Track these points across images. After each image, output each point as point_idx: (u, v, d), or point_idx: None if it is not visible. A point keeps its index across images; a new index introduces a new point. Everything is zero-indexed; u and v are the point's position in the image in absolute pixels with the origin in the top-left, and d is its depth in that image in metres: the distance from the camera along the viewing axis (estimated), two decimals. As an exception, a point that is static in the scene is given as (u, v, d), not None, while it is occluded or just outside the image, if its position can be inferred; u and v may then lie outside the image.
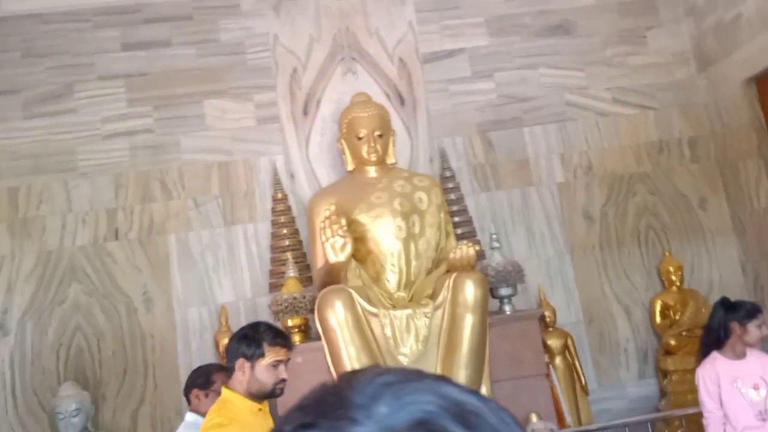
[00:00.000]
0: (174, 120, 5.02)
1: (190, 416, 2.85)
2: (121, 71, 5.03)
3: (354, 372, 0.55)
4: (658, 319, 4.84)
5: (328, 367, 3.59)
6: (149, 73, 5.06)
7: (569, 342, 4.60)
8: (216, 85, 5.08)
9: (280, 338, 2.31)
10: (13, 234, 4.76)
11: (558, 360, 4.47)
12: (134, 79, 5.03)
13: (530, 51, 5.35)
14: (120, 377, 4.64)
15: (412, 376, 0.52)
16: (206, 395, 2.82)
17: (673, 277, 4.86)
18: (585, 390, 4.54)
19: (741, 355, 2.90)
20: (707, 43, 5.29)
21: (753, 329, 2.90)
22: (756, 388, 2.85)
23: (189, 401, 2.95)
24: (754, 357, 2.93)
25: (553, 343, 4.45)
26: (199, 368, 3.10)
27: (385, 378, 0.52)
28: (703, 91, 5.38)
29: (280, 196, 4.87)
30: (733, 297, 5.03)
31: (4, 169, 4.84)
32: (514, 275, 3.88)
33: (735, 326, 2.94)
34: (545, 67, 5.35)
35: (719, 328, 2.93)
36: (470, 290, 3.51)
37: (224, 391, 2.28)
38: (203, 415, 2.61)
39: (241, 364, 2.24)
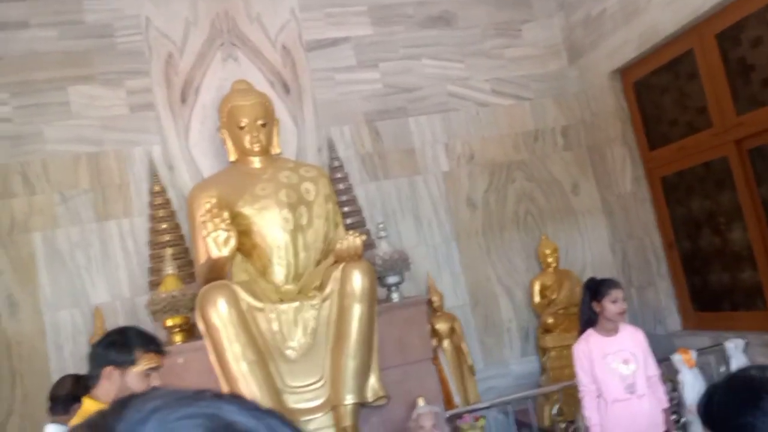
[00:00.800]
0: (34, 108, 4.60)
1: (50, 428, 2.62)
2: (-29, 53, 4.53)
3: (129, 397, 0.53)
4: (536, 299, 5.10)
5: (212, 367, 3.45)
6: (4, 56, 4.60)
7: (456, 325, 4.74)
8: (82, 70, 4.71)
9: (153, 344, 2.17)
10: None
11: (446, 343, 4.59)
12: (-13, 63, 4.55)
13: (413, 41, 5.42)
14: (-20, 391, 4.22)
15: (187, 399, 0.51)
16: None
17: (549, 259, 5.13)
18: (472, 370, 4.70)
19: (612, 331, 3.07)
20: (577, 36, 5.61)
21: (608, 305, 3.06)
22: (626, 362, 3.04)
23: (53, 411, 2.70)
24: (626, 333, 3.11)
25: (441, 326, 4.57)
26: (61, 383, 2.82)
27: (154, 403, 0.50)
28: (574, 82, 5.70)
29: (157, 188, 4.62)
30: (604, 275, 5.44)
31: None
32: (400, 263, 3.92)
33: (595, 305, 3.12)
34: (428, 57, 5.43)
35: (586, 309, 3.10)
36: (357, 280, 3.50)
37: (86, 401, 2.10)
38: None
39: (109, 372, 2.08)
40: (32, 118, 4.58)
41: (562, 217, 5.52)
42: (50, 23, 4.70)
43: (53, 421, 2.77)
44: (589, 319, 3.08)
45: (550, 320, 4.89)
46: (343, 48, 5.24)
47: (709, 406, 1.26)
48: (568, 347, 4.74)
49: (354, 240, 3.56)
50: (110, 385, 2.06)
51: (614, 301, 3.02)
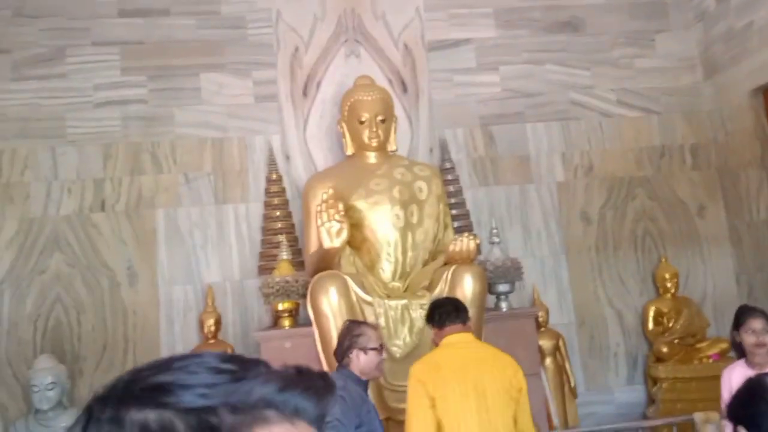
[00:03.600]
0: (169, 92, 4.86)
1: None
2: (117, 38, 4.86)
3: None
4: (650, 325, 4.79)
5: (317, 354, 3.48)
6: (145, 42, 4.89)
7: (560, 343, 4.54)
8: (214, 59, 4.93)
9: None
10: (-5, 199, 4.59)
11: (548, 361, 4.40)
12: (130, 47, 4.86)
13: (537, 46, 5.26)
14: (99, 352, 4.50)
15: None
16: None
17: (668, 284, 4.81)
18: (573, 393, 4.48)
19: (759, 366, 2.74)
20: (715, 51, 5.23)
21: (745, 335, 2.80)
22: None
23: None
24: None
25: (545, 343, 4.38)
26: None
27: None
28: (708, 99, 5.32)
29: (274, 177, 4.74)
30: (727, 308, 5.05)
31: (-11, 131, 4.66)
32: (512, 272, 3.79)
33: (736, 334, 2.87)
34: (552, 63, 5.26)
35: (731, 337, 2.87)
36: (469, 284, 3.42)
37: None
38: None
39: None
40: (166, 101, 4.84)
41: (685, 241, 5.16)
42: (189, 12, 4.95)
43: None
44: (738, 348, 2.85)
45: (665, 349, 4.57)
46: (465, 49, 5.17)
47: (731, 403, 1.74)
48: (683, 380, 4.43)
49: (468, 242, 3.48)
50: None
51: (752, 332, 2.76)
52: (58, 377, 4.15)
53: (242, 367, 0.52)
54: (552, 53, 5.26)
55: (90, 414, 0.50)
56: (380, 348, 2.71)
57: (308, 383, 0.53)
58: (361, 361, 2.65)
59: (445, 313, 2.68)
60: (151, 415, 0.48)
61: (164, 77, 4.86)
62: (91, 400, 0.52)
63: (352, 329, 2.73)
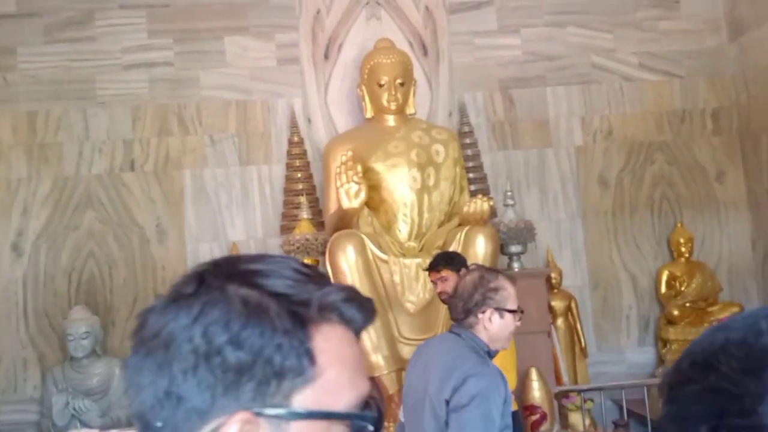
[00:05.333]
0: (194, 54, 4.97)
1: None
2: (143, 1, 4.96)
3: None
4: (663, 288, 4.87)
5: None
6: (171, 4, 4.99)
7: (572, 305, 4.65)
8: (238, 22, 5.01)
9: None
10: (31, 158, 4.80)
11: (560, 321, 4.53)
12: (156, 10, 4.97)
13: (559, 8, 5.23)
14: (130, 305, 4.74)
15: None
16: None
17: (683, 249, 4.86)
18: (584, 352, 4.61)
19: None
20: (741, 11, 5.15)
21: None
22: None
23: None
24: None
25: (557, 304, 4.50)
26: None
27: None
28: (732, 61, 5.26)
29: (296, 139, 4.86)
30: (740, 272, 5.09)
31: (24, 93, 4.84)
32: (525, 233, 3.89)
33: None
34: (573, 25, 5.23)
35: None
36: (481, 244, 3.54)
37: None
38: None
39: None
40: (191, 64, 4.96)
41: (702, 205, 5.17)
42: (213, -25, 5.02)
43: None
44: None
45: (676, 312, 4.66)
46: (486, 11, 5.17)
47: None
48: (691, 341, 4.52)
49: (482, 204, 3.58)
50: None
51: None
52: (91, 327, 4.41)
53: (317, 274, 0.64)
54: (574, 15, 5.23)
55: (202, 280, 0.60)
56: (521, 312, 2.08)
57: (363, 301, 0.64)
58: (494, 326, 1.98)
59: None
60: (250, 293, 0.58)
61: (189, 40, 4.97)
62: (202, 271, 0.61)
63: (487, 280, 2.03)
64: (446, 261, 2.98)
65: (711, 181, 5.22)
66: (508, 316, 2.02)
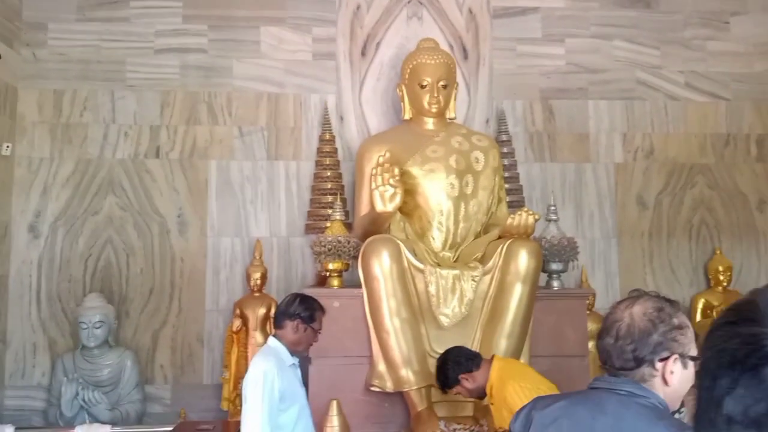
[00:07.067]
0: (229, 43, 4.83)
1: (272, 341, 2.76)
2: (180, -15, 4.82)
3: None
4: (698, 316, 4.67)
5: (365, 315, 3.48)
6: (208, -10, 4.85)
7: (604, 327, 4.45)
8: (275, 12, 4.87)
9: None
10: (54, 137, 4.67)
11: (591, 345, 4.33)
12: (192, -5, 4.83)
13: (607, 20, 5.06)
14: (145, 296, 4.59)
15: None
16: (305, 329, 2.73)
17: (721, 277, 4.68)
18: (613, 377, 4.42)
19: None
20: (796, 37, 4.97)
21: None
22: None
23: (280, 326, 2.78)
24: None
25: (590, 326, 4.30)
26: (305, 299, 2.88)
27: None
28: (782, 88, 5.08)
29: (328, 137, 4.71)
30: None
31: (52, 70, 4.71)
32: (568, 251, 3.72)
33: None
34: (620, 39, 5.06)
35: None
36: (524, 259, 3.36)
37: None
38: (289, 344, 2.75)
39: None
40: (225, 52, 4.81)
41: (742, 234, 4.99)
42: (254, -37, 4.88)
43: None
44: None
45: (712, 342, 4.46)
46: (531, 18, 5.01)
47: None
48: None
49: (528, 217, 3.41)
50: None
51: None
52: (106, 316, 4.27)
53: None
54: (621, 28, 5.07)
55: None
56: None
57: None
58: (675, 378, 1.42)
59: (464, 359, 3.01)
60: None
61: (225, 28, 4.83)
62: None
63: (669, 314, 1.46)
64: (446, 380, 3.06)
65: (751, 209, 5.04)
66: (691, 366, 1.44)
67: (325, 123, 4.75)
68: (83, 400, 4.01)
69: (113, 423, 3.70)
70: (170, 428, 3.09)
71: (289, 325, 2.74)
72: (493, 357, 2.99)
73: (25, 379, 4.46)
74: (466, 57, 4.95)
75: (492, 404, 2.89)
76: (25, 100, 4.66)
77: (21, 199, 4.58)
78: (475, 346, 3.34)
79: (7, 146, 4.42)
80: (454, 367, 2.97)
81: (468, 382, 2.95)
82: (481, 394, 2.98)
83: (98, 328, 4.21)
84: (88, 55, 4.73)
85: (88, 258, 4.59)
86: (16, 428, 3.65)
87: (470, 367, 2.95)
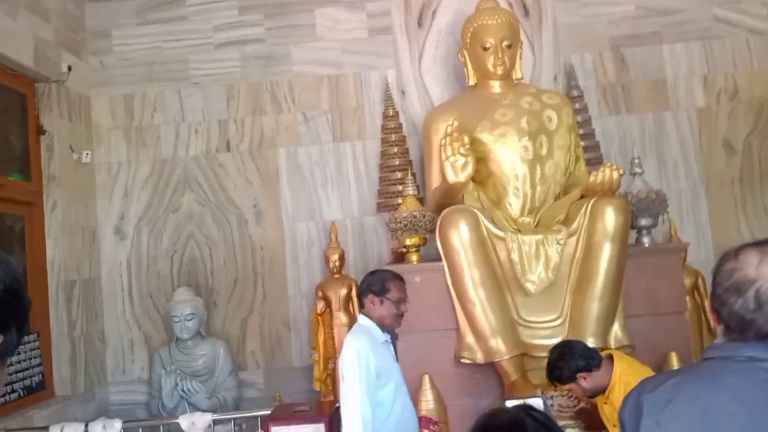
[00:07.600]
0: (285, 29, 4.83)
1: (362, 319, 2.78)
2: (232, -23, 4.85)
3: None
4: (804, 263, 4.35)
5: (448, 288, 3.44)
6: (260, -21, 4.85)
7: (699, 281, 4.23)
8: (329, -7, 4.82)
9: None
10: (129, 141, 4.82)
11: (686, 300, 4.12)
12: (245, -14, 4.85)
13: (676, -44, 4.73)
14: (230, 286, 4.71)
15: None
16: (381, 302, 2.72)
17: (826, 219, 4.33)
18: (713, 333, 4.19)
19: None
20: None
21: None
22: None
23: (362, 305, 2.81)
24: None
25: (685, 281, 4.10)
26: (375, 273, 2.91)
27: None
28: None
29: (391, 113, 4.65)
30: None
31: (120, 76, 4.85)
32: (657, 205, 3.53)
33: None
34: (693, -25, 4.73)
35: None
36: (611, 217, 3.22)
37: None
38: (376, 320, 2.72)
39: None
40: (282, 39, 4.82)
41: None
42: (302, -55, 4.84)
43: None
44: None
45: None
46: (593, -35, 4.74)
47: None
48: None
49: (611, 173, 3.25)
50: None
51: None
52: (196, 309, 4.41)
53: None
54: (693, -37, 4.72)
55: None
56: None
57: None
58: None
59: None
60: None
61: (280, 15, 4.83)
62: None
63: None
64: (561, 376, 2.89)
65: None
66: None
67: (387, 99, 4.69)
68: (182, 391, 4.17)
69: (213, 410, 3.82)
70: (268, 412, 3.15)
71: (368, 302, 2.76)
72: (612, 356, 2.83)
73: (126, 375, 4.68)
74: (527, 14, 4.76)
75: (606, 404, 2.76)
76: (98, 108, 4.83)
77: (104, 204, 4.77)
78: (565, 312, 3.24)
79: (87, 154, 4.61)
80: (573, 364, 2.80)
81: (585, 381, 2.80)
82: (595, 394, 2.83)
83: (190, 320, 4.35)
84: (152, 57, 4.85)
85: (173, 254, 4.75)
86: (124, 422, 3.83)
87: (590, 366, 2.79)
